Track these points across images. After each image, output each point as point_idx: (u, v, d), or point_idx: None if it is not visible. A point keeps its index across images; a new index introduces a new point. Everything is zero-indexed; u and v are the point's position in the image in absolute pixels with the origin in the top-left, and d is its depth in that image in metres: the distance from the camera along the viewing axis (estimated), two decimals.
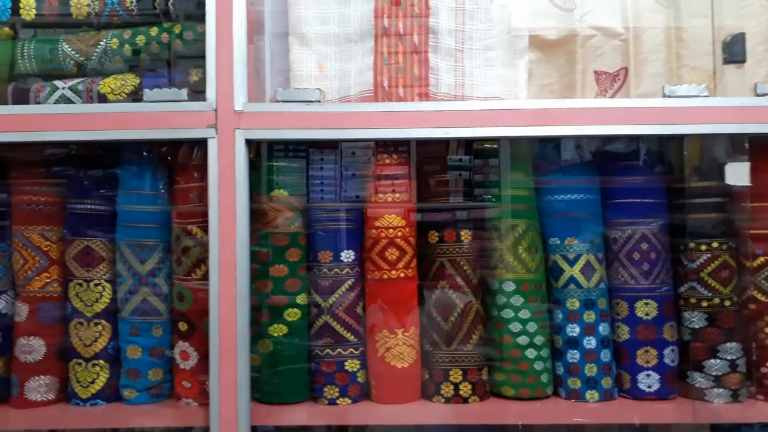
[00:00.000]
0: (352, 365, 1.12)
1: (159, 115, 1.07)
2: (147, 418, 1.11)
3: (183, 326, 1.14)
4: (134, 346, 1.13)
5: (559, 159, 1.19)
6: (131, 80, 1.12)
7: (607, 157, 1.19)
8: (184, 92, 1.07)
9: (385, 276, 1.11)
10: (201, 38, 1.12)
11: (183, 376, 1.14)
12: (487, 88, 1.18)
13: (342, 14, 1.20)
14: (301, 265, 1.13)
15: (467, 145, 1.17)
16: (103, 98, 1.11)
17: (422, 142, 1.16)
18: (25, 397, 1.12)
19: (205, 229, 1.12)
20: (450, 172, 1.17)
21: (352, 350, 1.12)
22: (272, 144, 1.14)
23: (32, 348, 1.12)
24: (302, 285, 1.13)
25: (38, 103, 1.12)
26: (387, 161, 1.12)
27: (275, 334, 1.11)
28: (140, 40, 1.12)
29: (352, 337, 1.12)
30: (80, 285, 1.13)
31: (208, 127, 1.06)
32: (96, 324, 1.13)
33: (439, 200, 1.15)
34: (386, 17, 1.17)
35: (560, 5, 1.23)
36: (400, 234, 1.11)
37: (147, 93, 1.07)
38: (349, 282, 1.12)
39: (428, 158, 1.16)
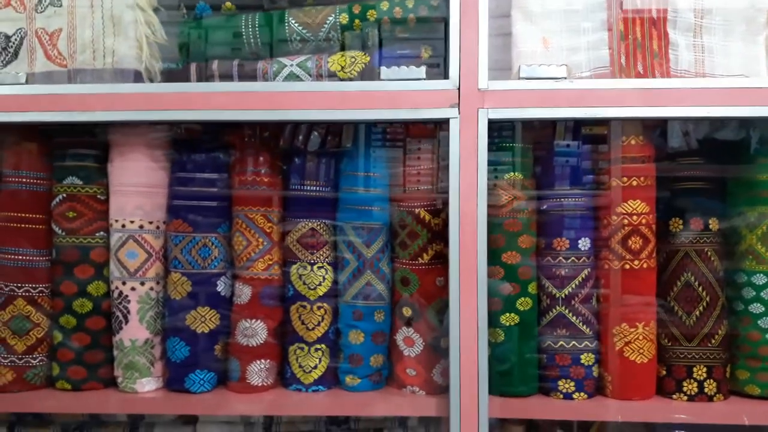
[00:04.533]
0: (587, 359, 1.06)
1: (398, 94, 1.02)
2: (373, 405, 1.08)
3: (407, 311, 1.10)
4: (357, 330, 1.10)
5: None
6: (361, 58, 1.07)
7: None
8: (423, 70, 1.03)
9: (627, 266, 1.05)
10: (436, 13, 1.09)
11: (407, 363, 1.10)
12: (728, 66, 1.11)
13: None
14: (532, 252, 1.08)
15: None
16: (333, 76, 1.07)
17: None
18: (247, 381, 1.10)
19: (432, 213, 1.09)
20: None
21: (587, 343, 1.07)
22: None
23: (255, 331, 1.10)
24: (533, 273, 1.08)
25: (266, 80, 1.09)
26: (633, 143, 1.05)
27: (507, 324, 1.07)
28: (371, 14, 1.08)
29: (588, 330, 1.07)
30: (304, 268, 1.10)
31: (450, 107, 1.02)
32: (319, 308, 1.10)
33: (683, 185, 1.08)
34: None
35: None
36: (644, 221, 1.05)
37: (384, 71, 1.03)
38: (586, 271, 1.07)
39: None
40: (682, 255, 1.06)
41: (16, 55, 1.17)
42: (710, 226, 1.06)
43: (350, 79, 1.07)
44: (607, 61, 1.09)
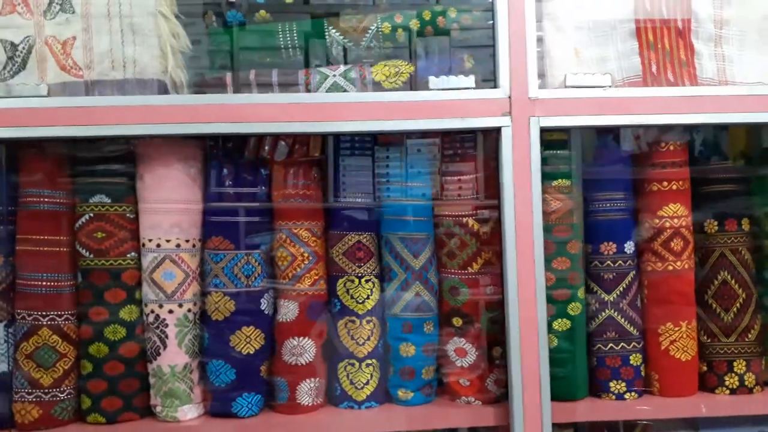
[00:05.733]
0: (635, 359, 1.09)
1: (449, 104, 1.02)
2: (430, 418, 1.07)
3: (457, 321, 1.09)
4: (407, 343, 1.08)
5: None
6: (405, 68, 1.06)
7: None
8: (472, 79, 1.03)
9: (670, 267, 1.08)
10: (480, 22, 1.09)
11: (460, 373, 1.09)
12: (744, 74, 1.16)
13: None
14: (580, 258, 1.10)
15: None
16: (377, 86, 1.06)
17: None
18: (297, 402, 1.06)
19: (481, 222, 1.09)
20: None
21: (635, 344, 1.09)
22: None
23: (303, 349, 1.06)
24: (581, 278, 1.10)
25: (308, 90, 1.06)
26: (671, 148, 1.09)
27: (559, 329, 1.07)
28: (414, 24, 1.07)
29: (635, 331, 1.09)
30: (351, 282, 1.08)
31: (502, 116, 1.02)
32: (368, 322, 1.08)
33: (714, 188, 1.13)
34: None
35: None
36: (684, 223, 1.09)
37: (433, 81, 1.02)
38: (632, 274, 1.09)
39: None
40: (718, 255, 1.11)
41: (24, 65, 1.08)
42: (743, 226, 1.11)
43: (395, 89, 1.06)
44: (639, 70, 1.13)
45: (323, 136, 1.11)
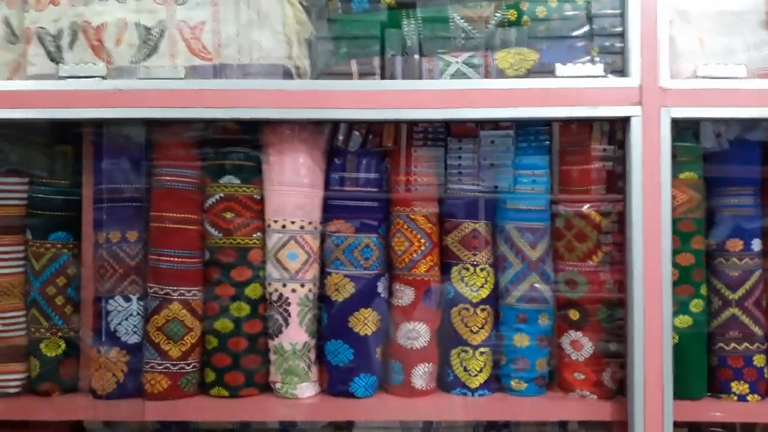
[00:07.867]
0: (759, 360, 1.06)
1: (576, 92, 1.01)
2: (544, 409, 1.07)
3: (574, 315, 1.08)
4: (522, 334, 1.08)
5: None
6: (529, 55, 1.06)
7: None
8: (600, 67, 1.02)
9: None
10: (609, 9, 1.07)
11: (575, 367, 1.08)
12: None
13: None
14: (703, 254, 1.07)
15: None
16: (501, 74, 1.06)
17: None
18: (412, 385, 1.07)
19: (602, 214, 1.08)
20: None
21: (759, 345, 1.06)
22: None
23: (418, 333, 1.08)
24: (704, 275, 1.07)
25: (431, 77, 1.06)
26: None
27: (680, 326, 1.05)
28: (541, 11, 1.07)
29: (760, 331, 1.06)
30: (466, 269, 1.08)
31: (631, 105, 1.01)
32: (482, 310, 1.08)
33: None
34: None
35: None
36: None
37: (560, 68, 1.01)
38: (758, 273, 1.06)
39: None
40: None
41: (156, 48, 1.13)
42: None
43: (518, 77, 1.06)
44: None
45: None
